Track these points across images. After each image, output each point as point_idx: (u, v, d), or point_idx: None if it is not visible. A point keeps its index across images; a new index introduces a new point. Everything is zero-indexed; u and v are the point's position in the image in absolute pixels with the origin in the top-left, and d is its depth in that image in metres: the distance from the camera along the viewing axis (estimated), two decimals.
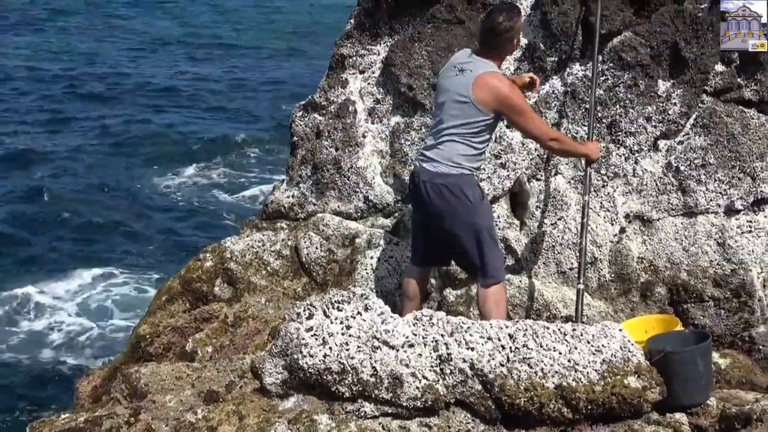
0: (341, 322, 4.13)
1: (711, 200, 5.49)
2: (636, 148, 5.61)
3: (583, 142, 5.37)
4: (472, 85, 4.72)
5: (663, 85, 5.57)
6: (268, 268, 6.12)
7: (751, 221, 5.49)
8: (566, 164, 5.70)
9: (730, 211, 5.49)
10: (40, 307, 11.45)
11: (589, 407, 3.91)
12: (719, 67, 5.56)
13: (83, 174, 16.68)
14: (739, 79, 5.56)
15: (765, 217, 5.50)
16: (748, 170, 5.44)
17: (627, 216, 5.66)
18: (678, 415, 4.10)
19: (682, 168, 5.52)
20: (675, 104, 5.54)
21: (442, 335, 4.08)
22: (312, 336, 4.07)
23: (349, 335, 4.07)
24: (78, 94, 22.89)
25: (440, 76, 5.05)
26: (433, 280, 5.82)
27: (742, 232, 5.47)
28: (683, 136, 5.58)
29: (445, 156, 4.80)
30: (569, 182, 5.70)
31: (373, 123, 6.41)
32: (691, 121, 5.57)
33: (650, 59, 5.55)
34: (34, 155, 17.59)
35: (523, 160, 5.75)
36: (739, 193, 5.46)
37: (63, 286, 12.05)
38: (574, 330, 4.14)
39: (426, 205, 4.88)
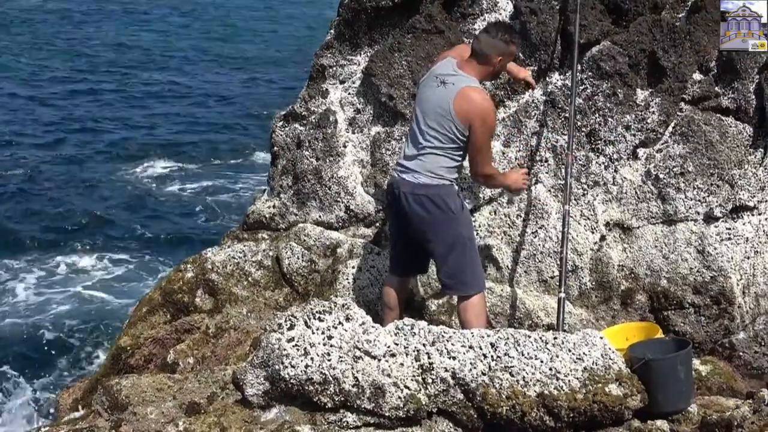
0: (322, 333, 4.12)
1: (690, 208, 5.52)
2: (615, 156, 5.63)
3: (506, 173, 5.38)
4: (453, 99, 4.72)
5: (641, 94, 5.61)
6: (250, 279, 6.10)
7: (730, 228, 5.52)
8: (546, 173, 5.72)
9: (709, 219, 5.52)
10: (17, 314, 11.35)
11: (571, 415, 3.92)
12: (697, 76, 5.60)
13: (64, 179, 16.60)
14: (716, 88, 5.59)
15: (744, 224, 5.54)
16: (727, 178, 5.47)
17: (607, 224, 5.69)
18: (659, 422, 4.12)
19: (661, 176, 5.55)
20: (653, 113, 5.57)
21: (424, 344, 4.08)
22: (293, 347, 4.06)
23: (331, 345, 4.06)
24: (58, 99, 22.81)
25: (421, 85, 5.05)
26: (420, 289, 5.83)
27: (722, 240, 5.50)
28: (662, 144, 5.61)
29: (427, 167, 4.81)
30: (549, 191, 5.72)
31: (353, 133, 6.42)
32: (670, 129, 5.60)
33: (629, 68, 5.58)
34: (14, 157, 17.52)
35: (503, 169, 5.76)
36: (717, 201, 5.49)
37: (41, 292, 11.95)
38: (555, 338, 4.16)
39: (407, 216, 4.88)
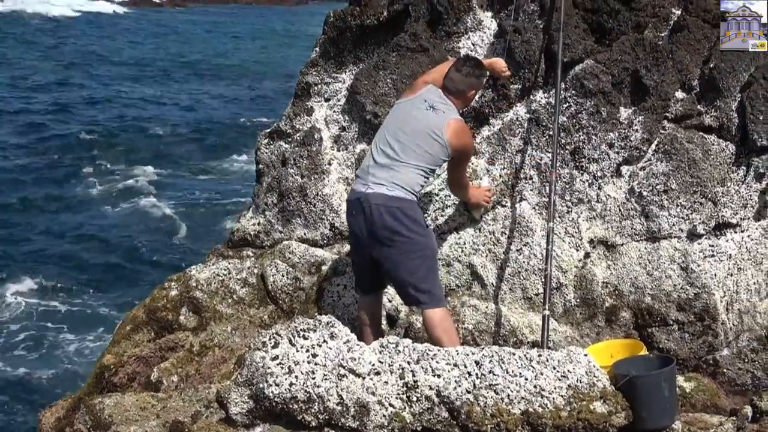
0: (307, 351, 4.11)
1: (673, 225, 5.54)
2: (599, 174, 5.66)
3: (471, 188, 5.58)
4: (447, 128, 4.92)
5: (625, 112, 5.64)
6: (234, 297, 6.08)
7: (713, 246, 5.54)
8: (531, 191, 5.74)
9: (693, 236, 5.54)
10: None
11: None
12: (679, 94, 5.64)
13: (39, 192, 16.57)
14: (699, 106, 5.63)
15: (727, 241, 5.56)
16: (710, 195, 5.50)
17: (591, 241, 5.70)
18: None
19: (644, 193, 5.58)
20: (637, 131, 5.60)
21: (409, 362, 4.08)
22: (278, 365, 4.05)
23: (315, 363, 4.06)
24: (49, 110, 22.82)
25: (403, 104, 5.12)
26: (404, 306, 5.82)
27: (705, 257, 5.53)
28: (645, 162, 5.64)
29: (405, 182, 4.83)
30: (534, 208, 5.74)
31: (338, 150, 6.43)
32: (653, 147, 5.63)
33: (612, 87, 5.61)
34: None
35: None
36: (701, 218, 5.51)
37: (22, 312, 11.90)
38: (539, 355, 4.16)
39: (378, 229, 4.82)
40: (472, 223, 5.86)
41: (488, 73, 5.43)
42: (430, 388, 3.98)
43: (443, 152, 4.94)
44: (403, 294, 5.06)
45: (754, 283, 5.60)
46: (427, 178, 5.04)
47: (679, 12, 5.82)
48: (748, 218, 5.58)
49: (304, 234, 6.42)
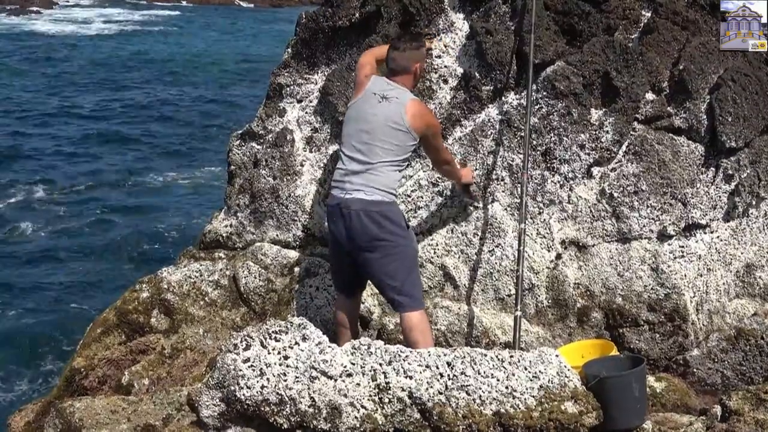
0: (279, 353, 4.10)
1: (644, 226, 5.58)
2: (570, 175, 5.68)
3: (458, 166, 5.60)
4: (405, 112, 4.89)
5: (595, 114, 5.67)
6: (206, 299, 6.06)
7: (683, 246, 5.59)
8: (503, 192, 5.76)
9: (663, 237, 5.58)
10: None
11: None
12: (650, 96, 5.68)
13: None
14: (669, 108, 5.67)
15: (696, 242, 5.61)
16: (679, 196, 5.55)
17: (563, 242, 5.73)
18: None
19: (615, 195, 5.61)
20: (607, 132, 5.63)
21: (381, 364, 4.07)
22: (249, 367, 4.04)
23: (287, 365, 4.05)
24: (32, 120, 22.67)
25: (357, 104, 5.10)
26: (377, 308, 5.82)
27: (675, 257, 5.57)
28: (616, 163, 5.67)
29: (383, 183, 4.83)
30: (506, 209, 5.75)
31: (311, 152, 6.42)
32: (624, 148, 5.66)
33: (583, 88, 5.64)
34: None
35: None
36: (671, 219, 5.56)
37: None
38: (511, 356, 4.17)
39: (359, 234, 4.83)
40: (444, 225, 5.88)
41: (425, 42, 5.47)
42: (402, 390, 3.98)
43: (409, 138, 4.92)
44: (388, 296, 5.08)
45: (724, 284, 5.65)
46: (402, 171, 5.04)
47: (649, 14, 5.87)
48: (718, 219, 5.64)
49: (277, 235, 6.40)
